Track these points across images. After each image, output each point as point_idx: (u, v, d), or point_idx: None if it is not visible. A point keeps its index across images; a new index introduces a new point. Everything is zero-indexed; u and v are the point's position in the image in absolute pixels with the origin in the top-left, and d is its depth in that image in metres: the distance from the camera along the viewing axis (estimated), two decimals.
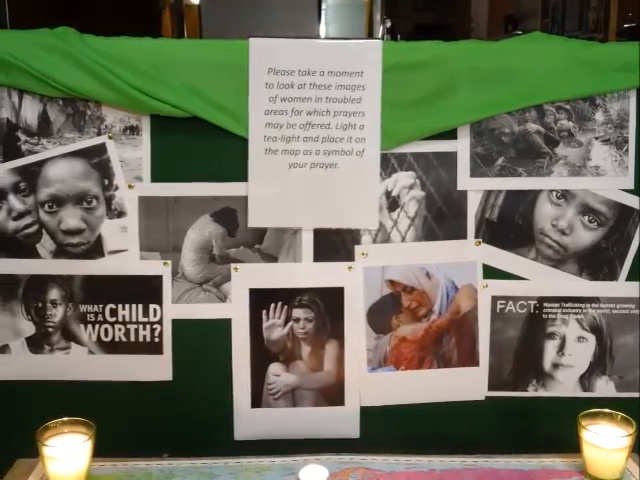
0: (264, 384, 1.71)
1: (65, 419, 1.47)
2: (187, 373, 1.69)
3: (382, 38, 8.19)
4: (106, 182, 1.64)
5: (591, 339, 1.73)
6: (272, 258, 1.68)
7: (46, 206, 1.64)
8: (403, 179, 1.67)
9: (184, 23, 8.00)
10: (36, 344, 1.69)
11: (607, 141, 1.67)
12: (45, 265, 1.66)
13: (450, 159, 1.67)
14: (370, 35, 9.94)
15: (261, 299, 1.68)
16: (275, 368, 1.71)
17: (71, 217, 1.64)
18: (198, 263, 1.67)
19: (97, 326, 1.68)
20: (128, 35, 1.64)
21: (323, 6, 8.65)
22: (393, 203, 1.67)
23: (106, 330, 1.68)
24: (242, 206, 1.64)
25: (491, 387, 1.74)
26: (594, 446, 1.47)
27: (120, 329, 1.68)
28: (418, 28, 8.67)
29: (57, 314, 1.68)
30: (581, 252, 1.71)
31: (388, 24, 9.48)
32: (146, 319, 1.68)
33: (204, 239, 1.67)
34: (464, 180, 1.67)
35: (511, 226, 1.69)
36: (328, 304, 1.69)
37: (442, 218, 1.69)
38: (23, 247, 1.65)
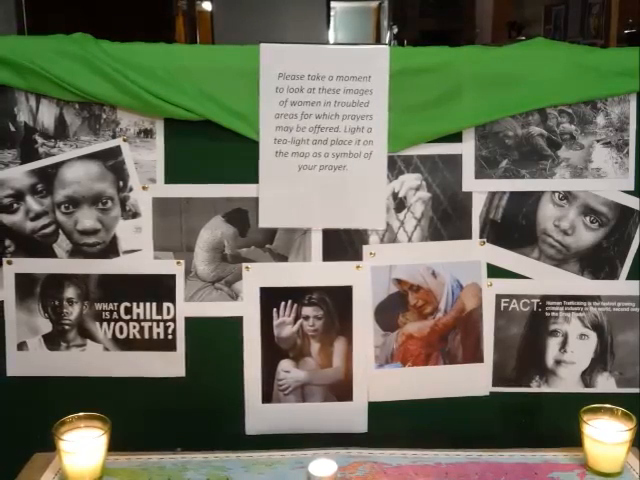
0: (274, 380, 1.71)
1: (81, 414, 1.48)
2: (199, 369, 1.69)
3: (389, 43, 8.21)
4: (121, 184, 1.64)
5: (592, 336, 1.74)
6: (282, 257, 1.68)
7: (62, 207, 1.65)
8: (409, 181, 1.67)
9: (197, 29, 8.02)
10: (53, 341, 1.69)
11: (608, 144, 1.68)
12: (62, 264, 1.67)
13: (455, 161, 1.67)
14: (377, 40, 9.98)
15: (271, 297, 1.69)
16: (285, 364, 1.71)
17: (87, 218, 1.65)
18: (210, 262, 1.67)
19: (112, 324, 1.69)
20: (142, 41, 1.64)
21: (332, 12, 8.66)
22: (400, 204, 1.68)
23: (121, 328, 1.69)
24: (253, 207, 1.65)
25: (495, 383, 1.75)
26: (595, 440, 1.48)
27: (134, 327, 1.69)
28: (424, 34, 8.69)
29: (73, 312, 1.68)
30: (583, 252, 1.71)
31: (395, 30, 9.50)
32: (160, 317, 1.68)
33: (216, 239, 1.67)
34: (469, 182, 1.68)
35: (515, 226, 1.70)
36: (337, 302, 1.70)
37: (447, 219, 1.69)
38: (40, 247, 1.66)
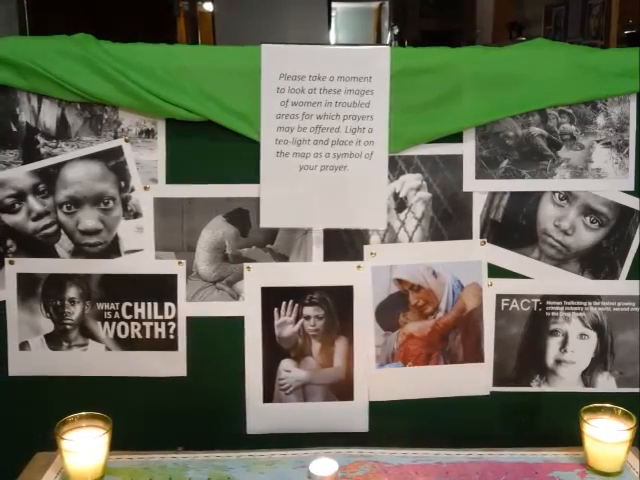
0: (276, 379, 1.73)
1: (83, 414, 1.49)
2: (201, 369, 1.71)
3: (390, 44, 8.25)
4: (122, 184, 1.66)
5: (592, 336, 1.74)
6: (283, 257, 1.70)
7: (64, 207, 1.66)
8: (410, 181, 1.69)
9: (198, 30, 8.05)
10: (55, 341, 1.70)
11: (608, 144, 1.69)
12: (63, 264, 1.68)
13: (456, 161, 1.69)
14: (378, 41, 10.01)
15: (273, 297, 1.71)
16: (286, 364, 1.73)
17: (88, 218, 1.67)
18: (211, 262, 1.69)
19: (114, 323, 1.70)
20: (144, 41, 1.66)
21: (333, 13, 8.67)
22: (401, 204, 1.70)
23: (123, 327, 1.70)
24: (254, 207, 1.67)
25: (496, 382, 1.76)
26: (595, 440, 1.48)
27: (136, 326, 1.70)
28: (424, 34, 8.70)
29: (75, 312, 1.70)
30: (583, 252, 1.73)
31: (395, 30, 9.53)
32: (161, 317, 1.70)
33: (217, 239, 1.69)
34: (470, 182, 1.70)
35: (515, 226, 1.72)
36: (338, 302, 1.72)
37: (448, 219, 1.71)
38: (42, 247, 1.67)
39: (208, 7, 7.61)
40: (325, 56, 1.65)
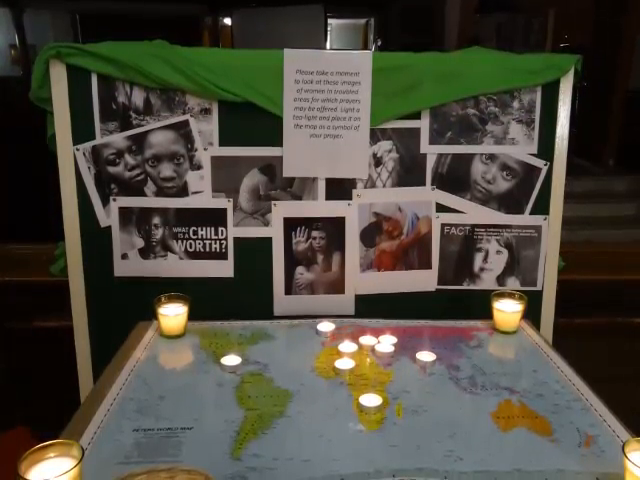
0: (293, 279, 1.83)
1: (170, 294, 1.60)
2: (243, 272, 1.81)
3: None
4: (189, 146, 1.74)
5: (505, 252, 1.87)
6: (298, 197, 1.78)
7: (149, 162, 1.73)
8: (385, 145, 1.77)
9: (219, 40, 8.12)
10: (145, 253, 1.80)
11: (520, 121, 1.78)
12: (150, 201, 1.77)
13: (416, 132, 1.77)
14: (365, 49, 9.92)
15: (291, 224, 1.79)
16: (300, 269, 1.82)
17: (166, 169, 1.75)
18: (250, 200, 1.77)
19: (184, 241, 1.79)
20: None
21: (329, 27, 8.68)
22: (378, 161, 1.78)
23: (191, 244, 1.79)
24: (279, 162, 1.75)
25: (440, 282, 1.88)
26: (500, 311, 1.62)
27: (200, 243, 1.79)
28: (403, 47, 8.63)
29: (158, 233, 1.79)
30: (500, 195, 1.83)
31: (379, 43, 9.48)
32: (216, 237, 1.79)
33: (254, 184, 1.76)
34: (425, 146, 1.79)
35: (454, 178, 1.81)
36: (335, 228, 1.80)
37: (409, 172, 1.80)
38: (135, 189, 1.75)
39: (227, 22, 7.70)
40: (327, 58, 1.69)
